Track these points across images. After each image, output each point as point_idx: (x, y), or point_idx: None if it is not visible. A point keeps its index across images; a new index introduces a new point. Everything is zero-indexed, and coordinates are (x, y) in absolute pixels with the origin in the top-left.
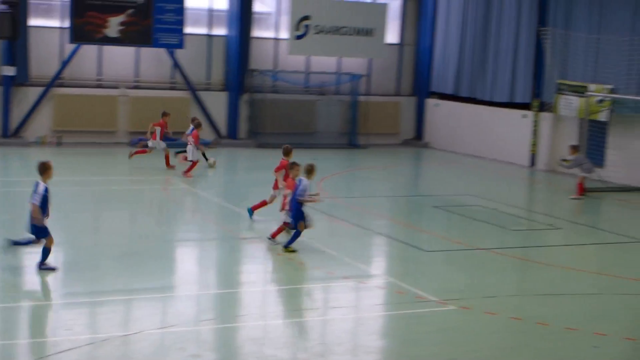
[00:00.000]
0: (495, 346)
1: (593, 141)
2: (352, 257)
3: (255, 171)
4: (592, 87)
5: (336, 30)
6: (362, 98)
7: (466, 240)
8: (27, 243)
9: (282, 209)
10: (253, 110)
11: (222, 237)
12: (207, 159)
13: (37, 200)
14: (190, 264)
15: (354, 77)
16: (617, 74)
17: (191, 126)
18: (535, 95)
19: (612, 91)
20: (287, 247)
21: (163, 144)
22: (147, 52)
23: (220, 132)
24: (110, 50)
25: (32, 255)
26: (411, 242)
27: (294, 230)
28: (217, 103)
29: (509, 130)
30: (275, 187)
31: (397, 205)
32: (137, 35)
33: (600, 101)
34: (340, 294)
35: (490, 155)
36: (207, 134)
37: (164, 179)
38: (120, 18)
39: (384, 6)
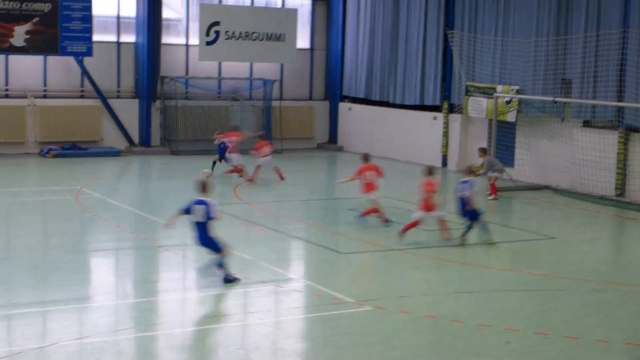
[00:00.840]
0: (411, 345)
1: (502, 141)
2: (269, 262)
3: (169, 179)
4: (499, 88)
5: (247, 36)
6: (275, 103)
7: (381, 241)
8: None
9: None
10: (166, 117)
11: (137, 246)
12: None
13: None
14: (105, 273)
15: (267, 83)
16: (524, 75)
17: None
18: (445, 97)
19: (519, 92)
20: None
21: (239, 159)
22: (55, 60)
23: (133, 140)
24: (17, 60)
25: None
26: (327, 244)
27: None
28: (129, 111)
29: (420, 132)
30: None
31: (312, 208)
32: (44, 43)
33: (508, 102)
34: (257, 298)
35: (404, 158)
36: (119, 142)
37: (76, 189)
38: (26, 27)
39: (294, 11)
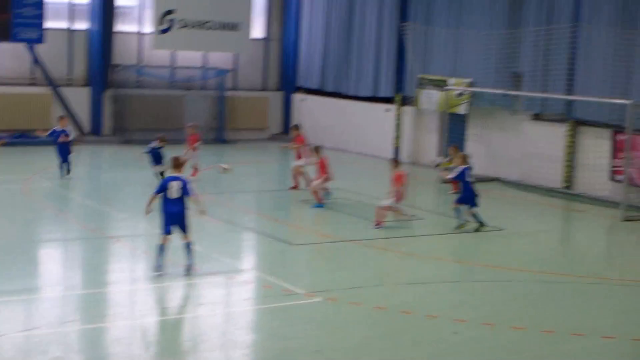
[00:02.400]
0: (360, 335)
1: (454, 134)
2: (220, 253)
3: (120, 168)
4: (451, 81)
5: (201, 25)
6: (229, 93)
7: (333, 233)
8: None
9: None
10: (117, 106)
11: (86, 237)
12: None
13: None
14: (54, 264)
15: (221, 72)
16: (475, 68)
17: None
18: (398, 89)
19: (470, 84)
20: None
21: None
22: (5, 47)
23: (84, 129)
24: None
25: None
26: (279, 236)
27: None
28: (80, 99)
29: (373, 124)
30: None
31: (265, 200)
32: None
33: (460, 94)
34: (208, 290)
35: (356, 149)
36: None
37: (26, 179)
38: None
39: (248, 1)
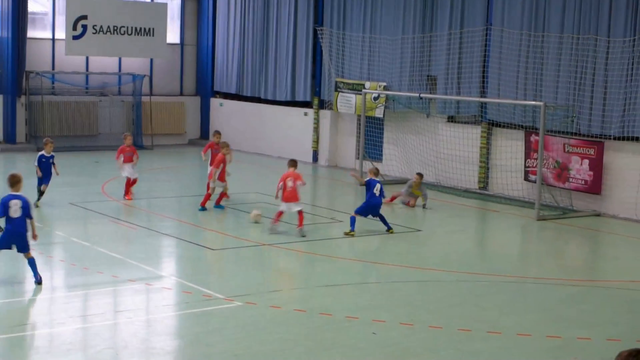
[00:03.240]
0: (280, 339)
1: (370, 137)
2: (138, 260)
3: (35, 176)
4: (367, 84)
5: (115, 30)
6: (145, 98)
7: (251, 236)
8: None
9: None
10: (31, 113)
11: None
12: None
13: None
14: None
15: (136, 77)
16: (391, 71)
17: None
18: (315, 93)
19: (386, 88)
20: None
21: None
22: None
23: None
24: None
25: None
26: (199, 241)
27: None
28: None
29: (291, 128)
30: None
31: (184, 205)
32: None
33: (376, 98)
34: (126, 297)
35: (275, 153)
36: None
37: None
38: None
39: (163, 6)
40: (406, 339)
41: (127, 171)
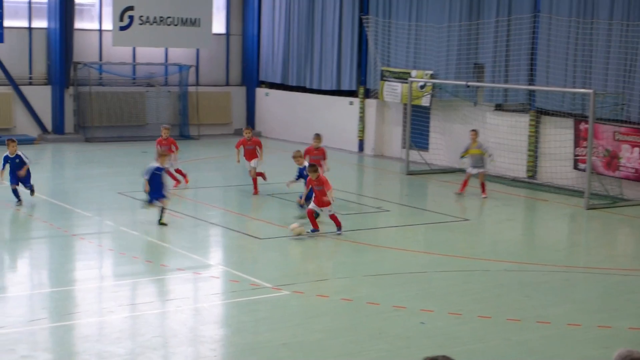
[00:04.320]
0: (327, 328)
1: (417, 126)
2: (186, 249)
3: (83, 166)
4: (413, 73)
5: (161, 21)
6: (191, 89)
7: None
8: None
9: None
10: (79, 103)
11: (52, 235)
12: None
13: None
14: (20, 263)
15: (182, 68)
16: (437, 59)
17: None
18: (361, 82)
19: (432, 77)
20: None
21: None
22: None
23: (46, 127)
24: None
25: None
26: (245, 230)
27: None
28: (41, 97)
29: (337, 117)
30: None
31: (230, 194)
32: None
33: (422, 87)
34: (174, 285)
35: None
36: (32, 129)
37: None
38: None
39: None
40: (455, 328)
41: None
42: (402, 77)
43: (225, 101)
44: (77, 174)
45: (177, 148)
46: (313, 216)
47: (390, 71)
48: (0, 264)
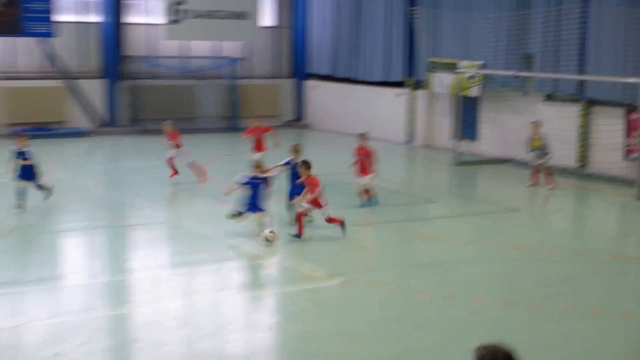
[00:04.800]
0: (378, 317)
1: (466, 116)
2: (238, 239)
3: (137, 158)
4: (462, 63)
5: (211, 15)
6: (241, 81)
7: (349, 217)
8: None
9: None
10: (132, 96)
11: (108, 225)
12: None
13: None
14: (77, 253)
15: (232, 61)
16: (486, 50)
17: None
18: (409, 73)
19: (481, 67)
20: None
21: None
22: (21, 42)
23: (100, 120)
24: None
25: None
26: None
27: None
28: (95, 91)
29: (385, 108)
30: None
31: (281, 185)
32: (6, 25)
33: (471, 77)
34: (230, 274)
35: (369, 134)
36: (86, 122)
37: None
38: None
39: None
40: (506, 318)
41: (180, 156)
42: (451, 68)
43: (274, 93)
44: (130, 165)
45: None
46: (301, 219)
47: (438, 62)
48: (58, 253)
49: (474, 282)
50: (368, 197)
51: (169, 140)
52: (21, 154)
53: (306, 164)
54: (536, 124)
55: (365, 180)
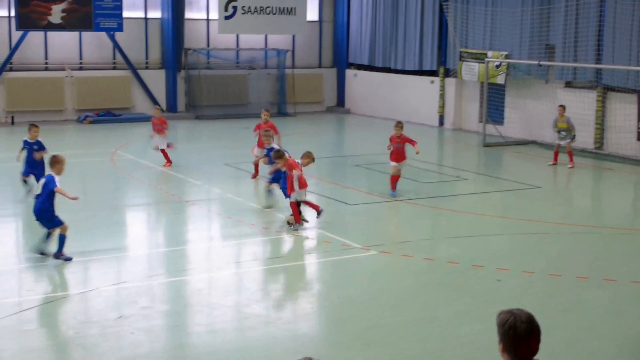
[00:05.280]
0: (411, 284)
1: (493, 102)
2: (284, 213)
3: (194, 141)
4: (490, 54)
5: (261, 10)
6: (288, 71)
7: (384, 193)
8: (47, 239)
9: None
10: (190, 85)
11: (166, 201)
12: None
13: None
14: (139, 226)
15: (280, 52)
16: (512, 41)
17: None
18: (441, 63)
19: (507, 57)
20: None
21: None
22: (89, 36)
23: (161, 107)
24: (55, 36)
25: None
26: (336, 197)
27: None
28: (156, 80)
29: (419, 95)
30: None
31: (323, 165)
32: (78, 21)
33: (498, 66)
34: (275, 246)
35: (404, 118)
36: (148, 108)
37: (111, 152)
38: (62, 5)
39: None
40: (528, 285)
41: (157, 141)
42: (479, 58)
43: (317, 82)
44: (189, 147)
45: (168, 128)
46: (297, 208)
47: (468, 52)
48: (123, 226)
49: (500, 253)
50: (393, 184)
51: (158, 126)
52: (34, 144)
53: (278, 152)
54: (562, 108)
55: (398, 165)
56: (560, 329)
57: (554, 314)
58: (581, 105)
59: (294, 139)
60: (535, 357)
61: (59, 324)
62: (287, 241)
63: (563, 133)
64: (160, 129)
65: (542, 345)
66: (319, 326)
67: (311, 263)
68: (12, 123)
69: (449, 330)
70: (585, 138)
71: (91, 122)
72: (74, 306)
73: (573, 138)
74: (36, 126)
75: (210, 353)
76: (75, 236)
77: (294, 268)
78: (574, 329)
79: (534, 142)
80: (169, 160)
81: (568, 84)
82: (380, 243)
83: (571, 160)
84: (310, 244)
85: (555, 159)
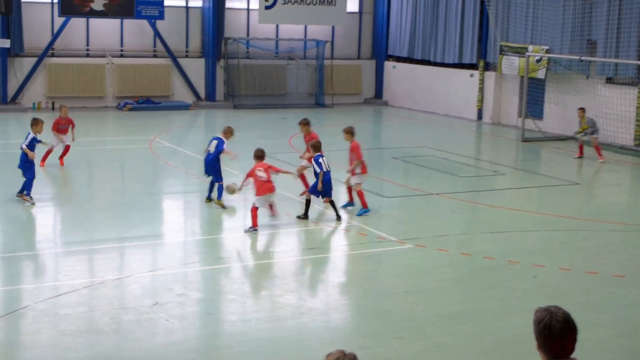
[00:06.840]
0: (447, 278)
1: (532, 97)
2: (320, 204)
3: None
4: (530, 48)
5: (302, 1)
6: (327, 62)
7: (421, 186)
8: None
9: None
10: (229, 74)
11: (203, 189)
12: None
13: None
14: (175, 213)
15: (319, 43)
16: (553, 35)
17: None
18: (481, 56)
19: (548, 51)
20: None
21: None
22: (130, 23)
23: (200, 95)
24: (97, 23)
25: (34, 208)
26: (373, 189)
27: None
28: (196, 69)
29: (458, 88)
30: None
31: None
32: (120, 8)
33: (538, 61)
34: (311, 237)
35: (442, 111)
36: (187, 96)
37: (150, 139)
38: None
39: None
40: (564, 282)
41: (55, 140)
42: (520, 52)
43: (356, 73)
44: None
45: (74, 127)
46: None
47: (508, 46)
48: (160, 213)
49: (536, 249)
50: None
51: (64, 126)
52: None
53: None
54: (582, 110)
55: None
56: (597, 328)
57: (590, 311)
58: (622, 102)
59: (331, 130)
60: (572, 356)
61: (94, 309)
62: (323, 232)
63: (587, 132)
64: (65, 129)
65: (577, 344)
66: (352, 318)
67: (346, 255)
68: (53, 109)
69: (483, 325)
70: (625, 135)
71: (130, 109)
72: (109, 292)
73: (596, 132)
74: (42, 121)
75: (243, 342)
76: (113, 222)
77: (328, 259)
78: (610, 327)
79: (573, 138)
80: (44, 159)
81: (609, 80)
82: (416, 236)
83: (600, 154)
84: (346, 235)
85: (581, 152)
